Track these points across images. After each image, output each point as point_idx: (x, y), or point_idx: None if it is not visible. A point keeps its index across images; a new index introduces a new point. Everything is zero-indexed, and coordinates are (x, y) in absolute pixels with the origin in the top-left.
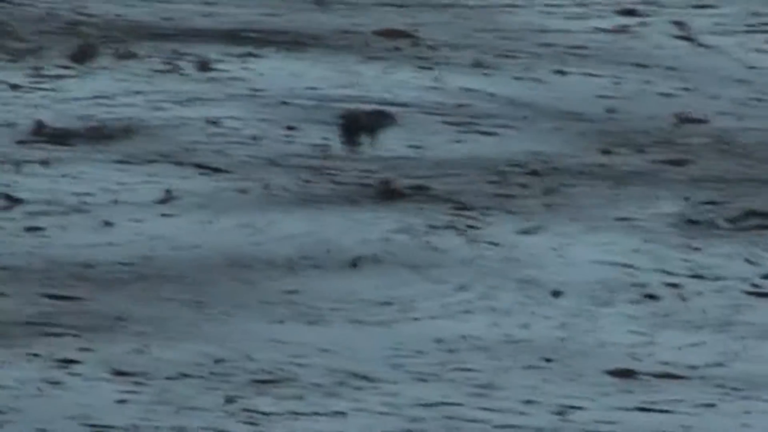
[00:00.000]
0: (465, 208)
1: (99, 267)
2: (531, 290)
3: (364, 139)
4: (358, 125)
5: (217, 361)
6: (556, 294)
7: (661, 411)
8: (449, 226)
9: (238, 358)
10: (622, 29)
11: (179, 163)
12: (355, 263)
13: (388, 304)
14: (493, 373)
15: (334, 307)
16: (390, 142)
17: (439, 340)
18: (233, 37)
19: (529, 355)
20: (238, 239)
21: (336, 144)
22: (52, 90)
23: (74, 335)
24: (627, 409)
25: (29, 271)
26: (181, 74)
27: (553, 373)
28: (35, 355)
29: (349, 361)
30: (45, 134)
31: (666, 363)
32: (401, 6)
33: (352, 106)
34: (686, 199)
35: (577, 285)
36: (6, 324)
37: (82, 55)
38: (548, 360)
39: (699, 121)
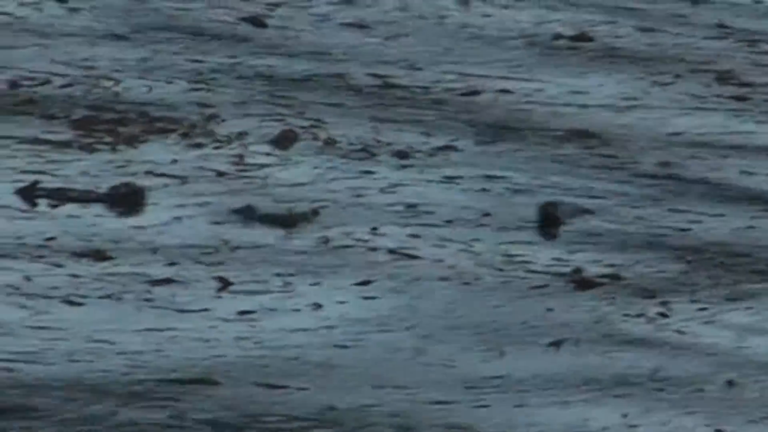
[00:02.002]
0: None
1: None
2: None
3: (560, 227)
4: (557, 215)
5: None
6: (731, 384)
7: None
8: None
9: None
10: None
11: (374, 249)
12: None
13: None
14: None
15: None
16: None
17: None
18: (431, 126)
19: None
20: (434, 322)
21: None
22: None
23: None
24: None
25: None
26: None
27: None
28: None
29: None
30: (251, 218)
31: None
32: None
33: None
34: None
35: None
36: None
37: (283, 141)
38: None
39: None
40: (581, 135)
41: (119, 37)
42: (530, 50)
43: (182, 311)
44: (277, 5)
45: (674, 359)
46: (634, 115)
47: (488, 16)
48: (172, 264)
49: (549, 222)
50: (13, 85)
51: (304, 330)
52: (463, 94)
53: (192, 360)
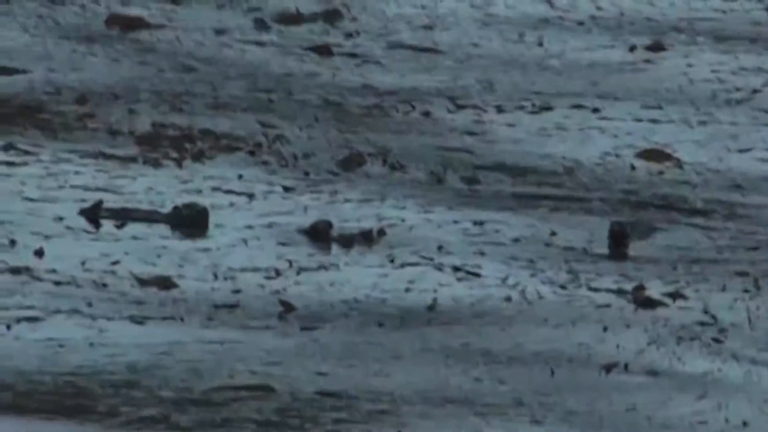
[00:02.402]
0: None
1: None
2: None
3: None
4: (625, 234)
5: None
6: None
7: None
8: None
9: None
10: None
11: (440, 268)
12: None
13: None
14: None
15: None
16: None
17: None
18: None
19: None
20: (492, 341)
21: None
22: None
23: None
24: None
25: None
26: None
27: None
28: None
29: None
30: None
31: None
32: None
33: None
34: None
35: None
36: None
37: (350, 164)
38: None
39: None
40: (652, 154)
41: (187, 69)
42: (606, 67)
43: (245, 328)
44: (350, 35)
45: (722, 389)
46: (706, 131)
47: (568, 30)
48: (236, 290)
49: (617, 241)
50: (80, 100)
51: (368, 343)
52: (533, 112)
53: (251, 369)
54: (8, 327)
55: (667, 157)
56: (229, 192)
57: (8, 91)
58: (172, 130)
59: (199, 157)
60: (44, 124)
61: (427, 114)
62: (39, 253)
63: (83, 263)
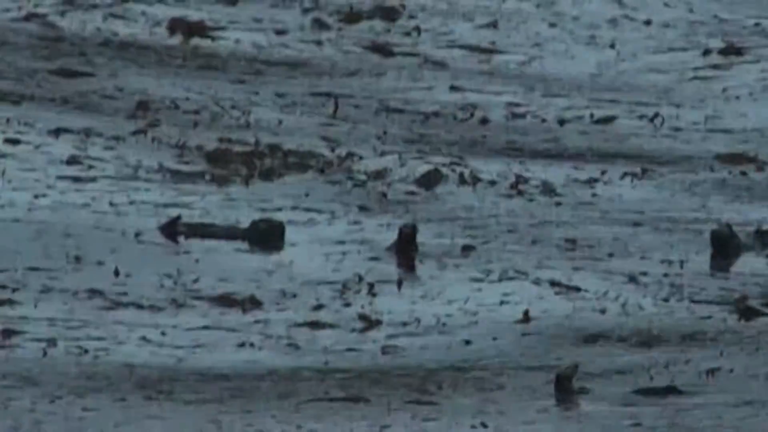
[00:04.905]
0: None
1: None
2: None
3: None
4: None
5: None
6: None
7: None
8: None
9: None
10: None
11: (536, 282)
12: None
13: None
14: None
15: None
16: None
17: None
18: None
19: None
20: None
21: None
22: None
23: None
24: None
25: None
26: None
27: None
28: None
29: None
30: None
31: None
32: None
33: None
34: None
35: None
36: None
37: (429, 180)
38: None
39: None
40: (734, 159)
41: (252, 71)
42: (676, 74)
43: (325, 351)
44: (408, 33)
45: None
46: None
47: (636, 31)
48: (317, 307)
49: (721, 251)
50: (140, 106)
51: (457, 369)
52: (597, 122)
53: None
54: None
55: (750, 159)
56: (306, 210)
57: None
58: (237, 146)
59: (269, 175)
60: None
61: (487, 122)
62: None
63: (162, 286)
